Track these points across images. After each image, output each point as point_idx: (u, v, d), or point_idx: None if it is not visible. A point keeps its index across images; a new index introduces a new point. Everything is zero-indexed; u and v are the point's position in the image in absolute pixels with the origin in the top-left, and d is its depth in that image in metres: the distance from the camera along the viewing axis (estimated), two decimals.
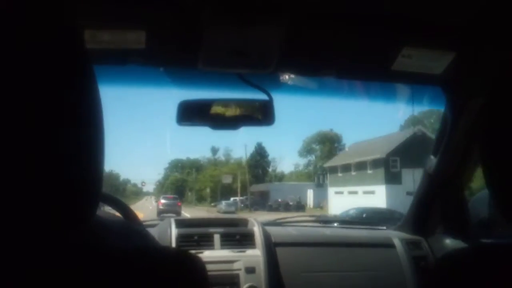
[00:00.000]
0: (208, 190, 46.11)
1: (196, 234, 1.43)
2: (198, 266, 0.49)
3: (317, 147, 47.21)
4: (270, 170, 53.50)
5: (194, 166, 53.57)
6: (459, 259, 0.55)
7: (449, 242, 1.54)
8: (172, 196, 33.82)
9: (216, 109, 1.31)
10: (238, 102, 1.31)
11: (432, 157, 1.48)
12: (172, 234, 1.41)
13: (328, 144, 44.20)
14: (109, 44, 1.15)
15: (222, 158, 54.96)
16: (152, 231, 1.44)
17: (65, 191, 0.38)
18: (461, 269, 0.52)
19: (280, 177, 51.70)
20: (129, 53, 1.20)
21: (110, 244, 0.48)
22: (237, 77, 1.28)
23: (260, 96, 1.30)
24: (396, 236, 1.58)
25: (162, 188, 57.93)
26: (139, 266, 0.43)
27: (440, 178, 1.48)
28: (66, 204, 0.39)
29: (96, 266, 0.42)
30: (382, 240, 1.58)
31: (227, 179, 40.79)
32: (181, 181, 54.69)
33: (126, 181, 64.99)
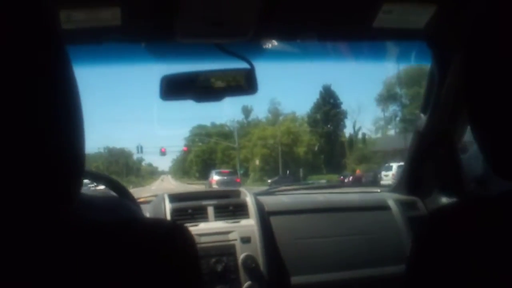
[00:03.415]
0: (257, 161, 32.09)
1: (190, 208, 1.50)
2: (186, 235, 0.50)
3: (403, 91, 30.86)
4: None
5: (221, 133, 41.50)
6: (448, 213, 0.57)
7: (444, 201, 1.58)
8: (227, 170, 27.03)
9: (199, 82, 1.34)
10: (221, 73, 1.34)
11: (421, 115, 1.51)
12: (166, 209, 1.48)
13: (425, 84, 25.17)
14: (86, 23, 1.18)
15: (265, 117, 39.60)
16: (146, 207, 1.50)
17: (46, 172, 0.40)
18: (450, 222, 0.54)
19: (363, 141, 34.45)
20: (106, 31, 1.23)
21: (92, 219, 0.49)
22: (217, 48, 1.31)
23: (242, 65, 1.33)
24: (390, 198, 1.63)
25: (184, 162, 49.17)
26: (123, 238, 0.45)
27: (431, 136, 1.52)
28: (48, 185, 0.41)
29: (78, 241, 0.43)
30: (376, 202, 1.63)
31: None
32: (208, 153, 43.19)
33: (140, 160, 59.51)
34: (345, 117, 35.17)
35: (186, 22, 1.19)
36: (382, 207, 1.60)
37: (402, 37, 1.34)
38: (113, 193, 1.25)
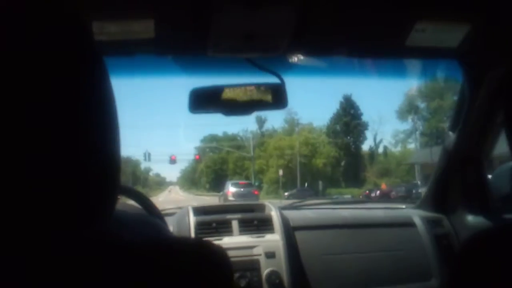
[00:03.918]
0: (280, 171, 28.70)
1: (214, 221, 1.49)
2: (219, 254, 0.49)
3: (424, 105, 29.45)
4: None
5: (234, 143, 40.20)
6: (486, 241, 0.57)
7: (471, 219, 1.57)
8: (245, 182, 25.80)
9: (228, 95, 1.34)
10: (250, 87, 1.34)
11: (450, 133, 1.50)
12: (190, 222, 1.47)
13: (450, 94, 23.86)
14: (118, 35, 1.19)
15: (281, 127, 38.72)
16: (170, 220, 1.50)
17: (83, 185, 0.40)
18: (488, 250, 0.54)
19: (385, 154, 32.78)
20: (139, 43, 1.24)
21: (124, 239, 0.48)
22: (248, 62, 1.31)
23: (272, 79, 1.34)
24: (416, 215, 1.62)
25: (193, 173, 48.29)
26: (155, 259, 0.44)
27: (459, 154, 1.51)
28: (85, 200, 0.40)
29: (110, 261, 0.42)
30: (402, 219, 1.62)
31: None
32: (220, 163, 42.51)
33: (148, 169, 59.22)
34: (366, 128, 34.42)
35: (218, 36, 1.19)
36: (408, 224, 1.59)
37: (434, 55, 1.34)
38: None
